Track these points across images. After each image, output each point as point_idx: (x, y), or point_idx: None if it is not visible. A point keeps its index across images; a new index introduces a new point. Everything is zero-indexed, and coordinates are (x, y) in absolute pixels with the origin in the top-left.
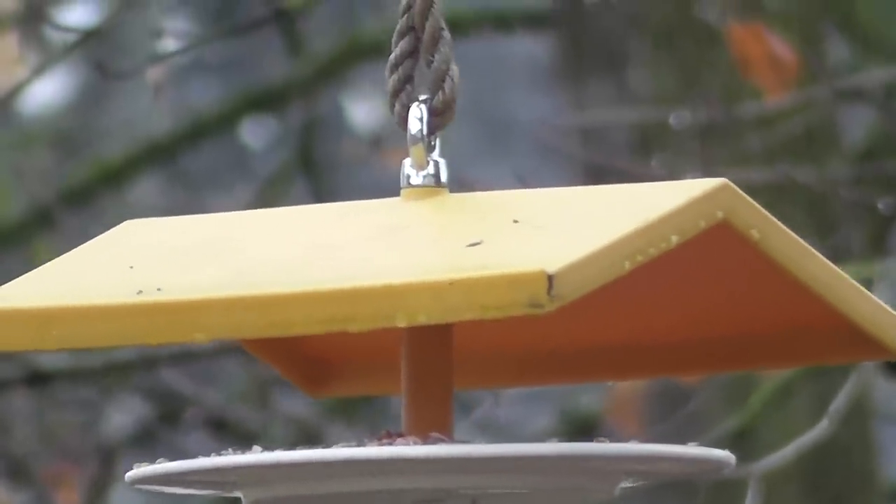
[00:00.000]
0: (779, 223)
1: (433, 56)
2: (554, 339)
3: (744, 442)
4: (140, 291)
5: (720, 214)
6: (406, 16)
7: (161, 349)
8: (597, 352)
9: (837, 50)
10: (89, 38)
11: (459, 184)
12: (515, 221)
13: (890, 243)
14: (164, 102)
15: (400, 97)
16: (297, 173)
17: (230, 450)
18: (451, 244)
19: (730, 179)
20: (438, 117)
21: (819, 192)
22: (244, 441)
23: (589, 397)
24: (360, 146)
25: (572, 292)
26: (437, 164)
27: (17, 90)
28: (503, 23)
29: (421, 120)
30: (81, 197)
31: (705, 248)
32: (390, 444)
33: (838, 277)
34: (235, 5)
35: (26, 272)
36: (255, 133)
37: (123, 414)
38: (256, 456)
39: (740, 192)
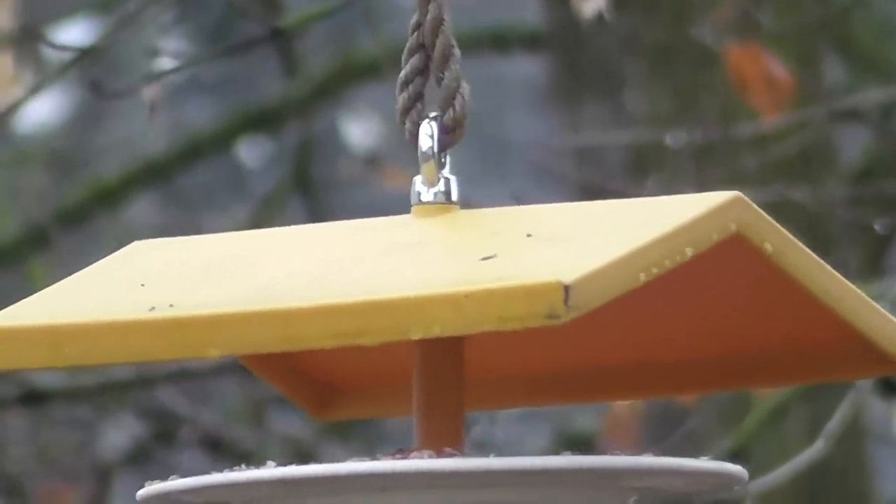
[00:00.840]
0: (791, 237)
1: (444, 73)
2: (563, 358)
3: (739, 462)
4: (153, 308)
5: (733, 227)
6: (416, 33)
7: (157, 368)
8: (606, 371)
9: (834, 70)
10: (85, 57)
11: (462, 203)
12: (529, 235)
13: (886, 263)
14: (159, 122)
15: (410, 114)
16: (293, 192)
17: (242, 465)
18: (465, 258)
19: None
20: (449, 134)
21: (815, 212)
22: (239, 460)
23: (585, 417)
24: (356, 165)
25: (588, 303)
26: (447, 181)
27: (12, 109)
28: (500, 43)
29: (432, 137)
30: (77, 216)
31: (715, 263)
32: (404, 458)
33: (849, 291)
34: (232, 25)
35: (22, 291)
36: (250, 152)
37: (119, 433)
38: (272, 471)
39: (753, 205)
